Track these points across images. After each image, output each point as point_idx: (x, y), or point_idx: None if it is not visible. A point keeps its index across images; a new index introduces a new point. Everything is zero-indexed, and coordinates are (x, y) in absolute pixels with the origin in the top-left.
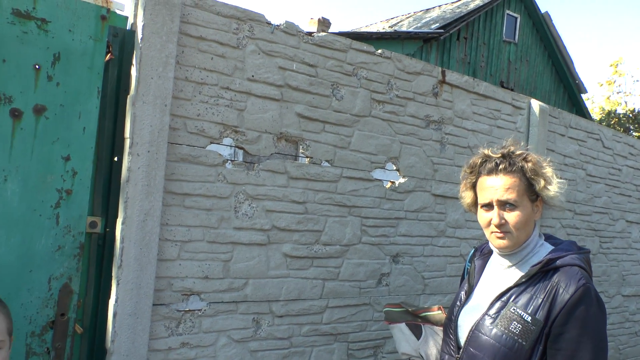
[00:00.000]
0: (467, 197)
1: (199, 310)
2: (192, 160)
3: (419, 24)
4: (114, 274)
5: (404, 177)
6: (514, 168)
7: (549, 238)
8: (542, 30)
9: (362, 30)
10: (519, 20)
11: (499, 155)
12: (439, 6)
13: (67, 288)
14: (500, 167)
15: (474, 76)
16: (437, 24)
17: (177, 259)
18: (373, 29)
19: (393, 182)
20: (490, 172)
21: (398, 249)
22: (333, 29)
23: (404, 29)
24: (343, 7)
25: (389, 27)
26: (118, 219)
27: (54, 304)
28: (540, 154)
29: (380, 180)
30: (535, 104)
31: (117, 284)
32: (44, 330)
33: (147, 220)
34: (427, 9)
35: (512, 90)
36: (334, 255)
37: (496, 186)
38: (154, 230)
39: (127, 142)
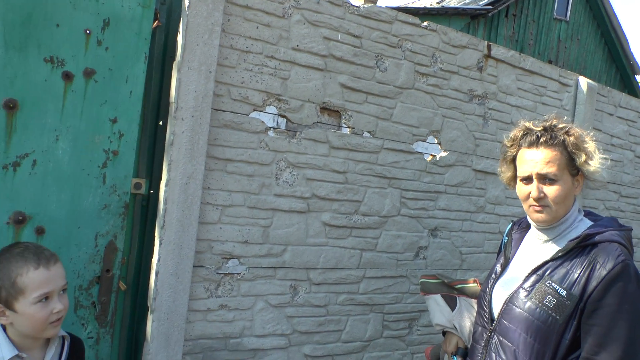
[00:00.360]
0: (506, 170)
1: (238, 274)
2: (235, 126)
3: (467, 0)
4: (156, 234)
5: (445, 150)
6: (556, 141)
7: (589, 214)
8: (595, 7)
9: (409, 6)
10: None
11: (541, 128)
12: None
13: (112, 245)
14: (542, 140)
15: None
16: (486, 0)
17: (218, 223)
18: (421, 4)
19: (434, 156)
20: (531, 145)
21: (436, 223)
22: (381, 4)
23: (452, 5)
24: None
25: (437, 3)
26: (162, 181)
27: (99, 260)
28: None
29: (421, 153)
30: (583, 81)
31: (160, 244)
32: (91, 284)
33: (190, 183)
34: None
35: None
36: (372, 226)
37: (536, 159)
38: (196, 193)
39: (172, 107)
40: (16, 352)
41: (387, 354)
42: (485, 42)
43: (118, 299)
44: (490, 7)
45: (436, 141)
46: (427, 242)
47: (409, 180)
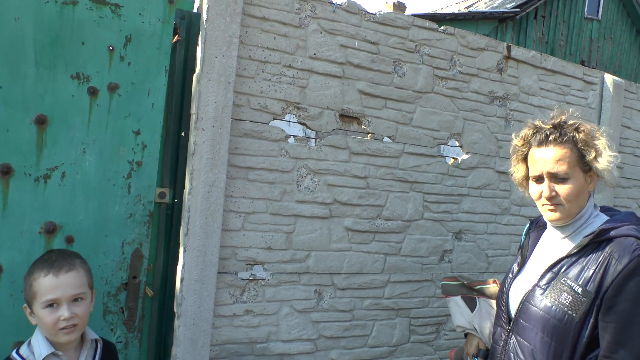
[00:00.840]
0: (518, 170)
1: (262, 279)
2: (255, 135)
3: (494, 4)
4: (181, 241)
5: (467, 153)
6: (565, 139)
7: (607, 210)
8: (629, 5)
9: (437, 12)
10: None
11: (550, 126)
12: None
13: (138, 253)
14: (551, 138)
15: (553, 56)
16: (513, 3)
17: (241, 230)
18: (448, 10)
19: (456, 159)
20: (540, 144)
21: (461, 226)
22: (408, 12)
23: (479, 9)
24: None
25: (464, 8)
26: (185, 190)
27: (126, 267)
28: (614, 131)
29: (442, 156)
30: (609, 79)
31: (184, 251)
32: (119, 290)
33: (212, 192)
34: None
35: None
36: (395, 230)
37: (546, 158)
38: (219, 201)
39: (193, 118)
40: (52, 350)
41: (414, 358)
42: (505, 44)
43: (145, 305)
44: (518, 9)
45: (458, 144)
46: (451, 246)
47: (431, 183)
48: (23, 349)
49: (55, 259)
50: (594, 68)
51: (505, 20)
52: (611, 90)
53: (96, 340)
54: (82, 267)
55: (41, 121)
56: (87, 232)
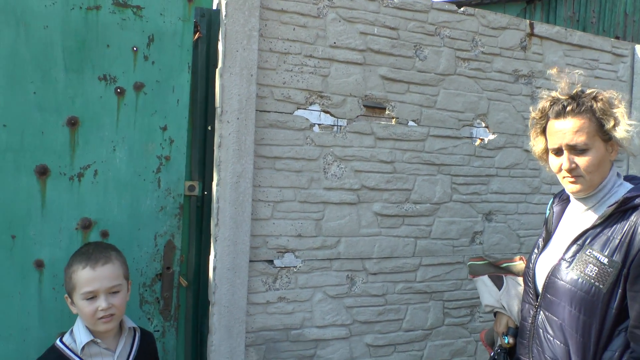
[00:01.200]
0: (538, 143)
1: (294, 267)
2: (280, 125)
3: None
4: (212, 231)
5: (493, 133)
6: (583, 109)
7: (632, 179)
8: None
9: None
10: None
11: (567, 96)
12: None
13: (171, 244)
14: (568, 109)
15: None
16: None
17: (271, 218)
18: None
19: (482, 139)
20: (558, 115)
21: (491, 207)
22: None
23: None
24: None
25: None
26: (213, 182)
27: (160, 259)
28: None
29: (469, 137)
30: None
31: (215, 241)
32: (154, 281)
33: (240, 182)
34: None
35: None
36: (424, 213)
37: (564, 130)
38: (247, 191)
39: (218, 111)
40: (92, 338)
41: (450, 342)
42: (527, 21)
43: (180, 294)
44: None
45: (483, 125)
46: (482, 227)
47: (458, 165)
48: (66, 337)
49: (92, 252)
50: (631, 42)
51: (533, 1)
52: None
53: (134, 329)
54: (117, 259)
55: (73, 123)
56: (121, 226)
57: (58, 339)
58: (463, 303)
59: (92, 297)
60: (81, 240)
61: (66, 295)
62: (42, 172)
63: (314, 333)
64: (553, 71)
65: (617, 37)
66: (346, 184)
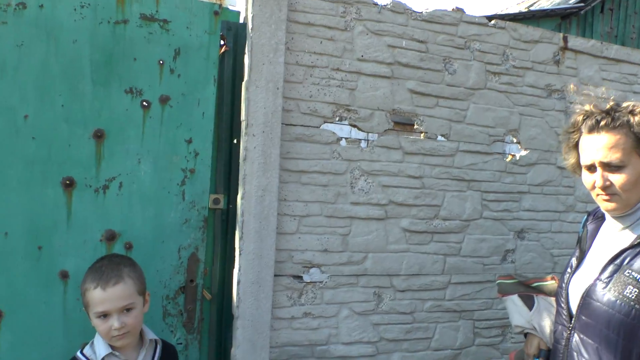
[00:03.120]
0: (570, 157)
1: (320, 282)
2: (306, 139)
3: (557, 1)
4: (236, 245)
5: (525, 149)
6: (618, 123)
7: None
8: None
9: (495, 14)
10: None
11: (601, 110)
12: None
13: (194, 257)
14: (602, 123)
15: None
16: None
17: (297, 233)
18: (509, 11)
19: (513, 155)
20: (591, 130)
21: (523, 225)
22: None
23: (542, 7)
24: None
25: (525, 8)
26: (238, 195)
27: (184, 271)
28: None
29: (499, 153)
30: None
31: (240, 254)
32: (177, 294)
33: (265, 196)
34: None
35: None
36: (454, 230)
37: (598, 146)
38: (272, 204)
39: (243, 124)
40: (110, 351)
41: None
42: (560, 35)
43: (204, 307)
44: (582, 4)
45: (515, 140)
46: (514, 245)
47: (489, 181)
48: (86, 349)
49: (104, 270)
50: None
51: (569, 16)
52: None
53: (155, 341)
54: (130, 276)
55: (99, 135)
56: (145, 239)
57: (79, 350)
58: (494, 323)
59: (104, 316)
60: (105, 251)
61: (84, 307)
62: (69, 183)
63: (340, 350)
64: (571, 88)
65: None
66: (373, 199)
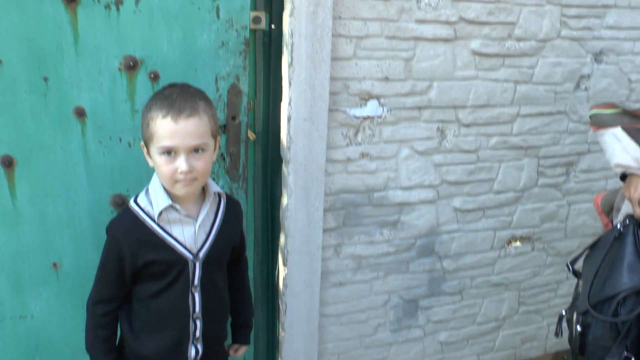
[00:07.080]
0: None
1: (378, 116)
2: None
3: None
4: (284, 73)
5: None
6: None
7: None
8: None
9: None
10: None
11: None
12: None
13: (236, 88)
14: None
15: None
16: None
17: (353, 58)
18: None
19: None
20: None
21: (602, 46)
22: None
23: None
24: None
25: None
26: (284, 12)
27: (223, 106)
28: None
29: None
30: None
31: (289, 85)
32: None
33: (318, 12)
34: None
35: None
36: (528, 52)
37: None
38: (326, 23)
39: None
40: (170, 203)
41: (541, 205)
42: None
43: (248, 150)
44: None
45: None
46: (590, 70)
47: None
48: (141, 199)
49: (176, 98)
50: None
51: None
52: None
53: (219, 194)
54: (206, 112)
55: None
56: (173, 67)
57: (132, 199)
58: (559, 160)
59: (170, 153)
60: (126, 83)
61: (142, 142)
62: None
63: (398, 196)
64: None
65: None
66: (442, 16)
